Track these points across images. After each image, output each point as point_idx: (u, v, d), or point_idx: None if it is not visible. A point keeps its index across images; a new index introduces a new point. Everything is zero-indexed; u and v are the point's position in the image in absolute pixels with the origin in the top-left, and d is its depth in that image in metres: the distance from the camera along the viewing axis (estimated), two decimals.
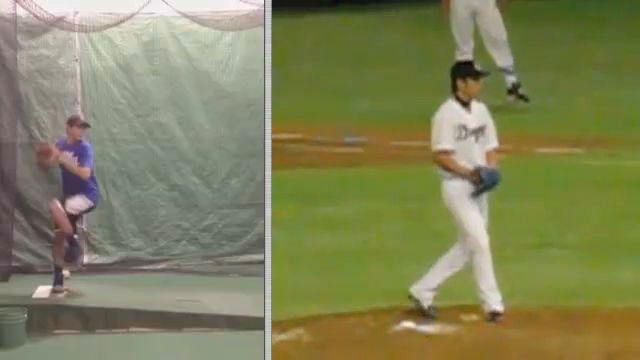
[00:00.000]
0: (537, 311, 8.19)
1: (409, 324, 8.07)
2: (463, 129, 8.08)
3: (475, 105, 8.17)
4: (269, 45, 8.21)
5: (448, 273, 8.06)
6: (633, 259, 8.63)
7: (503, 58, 11.17)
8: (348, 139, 10.66)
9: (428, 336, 8.00)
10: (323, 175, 9.93)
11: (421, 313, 8.06)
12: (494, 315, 8.07)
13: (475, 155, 8.07)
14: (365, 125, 10.76)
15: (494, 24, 11.18)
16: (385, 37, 12.18)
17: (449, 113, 8.13)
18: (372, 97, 11.01)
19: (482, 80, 8.16)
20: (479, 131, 8.11)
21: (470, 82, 8.13)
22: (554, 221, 9.07)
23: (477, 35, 11.23)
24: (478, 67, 8.25)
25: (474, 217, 8.01)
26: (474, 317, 8.11)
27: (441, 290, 8.08)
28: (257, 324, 8.30)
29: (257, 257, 11.30)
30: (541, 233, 8.78)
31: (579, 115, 10.75)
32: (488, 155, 8.12)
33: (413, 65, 11.44)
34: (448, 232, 8.23)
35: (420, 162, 9.78)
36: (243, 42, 12.72)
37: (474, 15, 11.24)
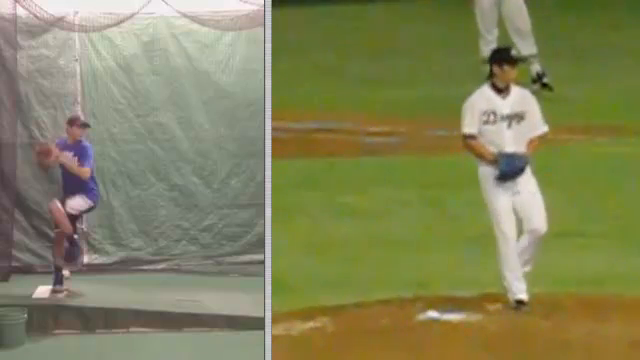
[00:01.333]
0: (561, 300, 8.19)
1: (433, 313, 8.08)
2: (492, 114, 8.13)
3: (515, 91, 8.21)
4: (269, 45, 8.21)
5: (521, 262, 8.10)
6: None
7: (527, 47, 11.15)
8: (372, 128, 10.66)
9: (452, 325, 8.00)
10: (346, 164, 9.92)
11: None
12: (519, 304, 8.09)
13: (506, 141, 8.10)
14: (388, 114, 10.75)
15: (518, 13, 11.17)
16: (409, 26, 12.17)
17: (478, 98, 8.21)
18: (395, 86, 11.01)
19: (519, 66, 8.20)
20: (515, 117, 8.13)
21: (506, 68, 8.18)
22: (578, 209, 9.06)
23: (501, 23, 11.23)
24: (515, 53, 8.29)
25: (499, 203, 8.04)
26: (499, 306, 8.11)
27: (466, 279, 8.08)
28: (257, 324, 8.29)
29: (257, 257, 11.30)
30: (565, 221, 8.73)
31: (603, 104, 10.74)
32: (531, 142, 8.14)
33: (437, 54, 11.45)
34: (471, 220, 8.23)
35: (444, 151, 9.82)
36: (243, 42, 12.72)
37: (499, 4, 11.24)
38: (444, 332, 7.94)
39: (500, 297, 8.13)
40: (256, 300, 8.33)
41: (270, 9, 8.31)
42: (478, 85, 10.00)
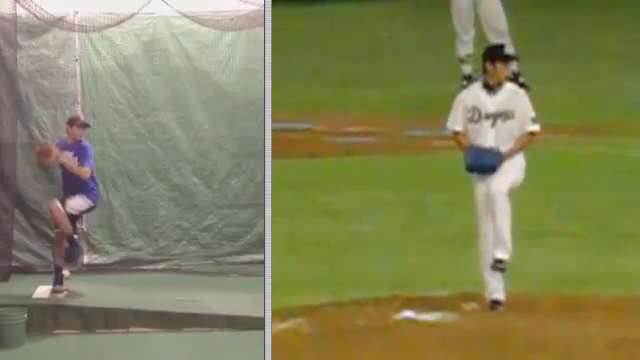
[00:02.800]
0: (538, 299, 8.18)
1: (409, 313, 8.07)
2: (477, 112, 8.13)
3: (506, 89, 8.19)
4: (269, 45, 8.21)
5: None
6: (634, 247, 8.61)
7: None
8: (350, 128, 10.65)
9: (429, 325, 7.99)
10: (325, 164, 9.93)
11: None
12: (495, 304, 8.07)
13: (488, 139, 8.09)
14: (367, 115, 10.75)
15: (495, 13, 11.18)
16: (386, 27, 12.16)
17: (465, 95, 8.24)
18: (374, 87, 11.00)
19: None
20: (501, 116, 8.11)
21: (499, 65, 8.17)
22: (555, 209, 9.07)
23: (478, 24, 11.24)
24: (508, 51, 8.28)
25: (478, 199, 8.07)
26: (475, 306, 8.10)
27: (442, 279, 8.08)
28: (257, 324, 8.29)
29: (257, 257, 11.30)
30: (541, 221, 8.77)
31: (582, 104, 10.74)
32: (518, 139, 8.11)
33: (415, 54, 11.44)
34: (448, 220, 8.21)
35: (421, 151, 9.81)
36: (243, 42, 12.72)
37: (475, 4, 11.24)
38: (420, 332, 7.93)
39: (477, 297, 8.12)
40: (256, 300, 8.33)
41: (270, 9, 8.31)
42: (455, 85, 10.05)
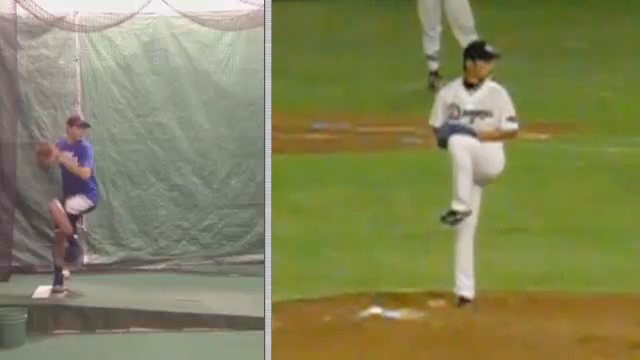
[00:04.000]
0: (505, 297, 8.16)
1: (376, 310, 8.05)
2: (456, 109, 8.10)
3: (486, 88, 8.16)
4: (269, 45, 8.21)
5: None
6: (601, 245, 8.61)
7: None
8: (316, 125, 10.62)
9: (395, 322, 7.97)
10: (290, 161, 9.90)
11: None
12: (462, 301, 8.05)
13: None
14: (333, 111, 10.72)
15: (461, 10, 11.20)
16: (352, 23, 12.16)
17: (445, 92, 8.21)
18: (340, 83, 10.97)
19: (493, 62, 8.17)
20: (479, 114, 8.07)
21: (479, 63, 8.14)
22: (522, 206, 9.06)
23: (445, 20, 11.25)
24: (489, 49, 8.25)
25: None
26: (442, 303, 8.09)
27: (410, 276, 8.06)
28: (257, 324, 8.29)
29: (257, 257, 11.29)
30: (508, 218, 8.77)
31: (547, 101, 10.74)
32: (498, 130, 8.07)
33: (381, 51, 11.42)
34: (416, 217, 8.20)
35: (388, 148, 9.79)
36: (243, 42, 12.72)
37: (442, 1, 11.26)
38: (387, 329, 7.91)
39: (444, 294, 8.10)
40: (256, 300, 8.33)
41: (270, 9, 8.31)
42: (422, 82, 10.04)
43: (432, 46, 11.15)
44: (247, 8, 11.65)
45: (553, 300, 8.14)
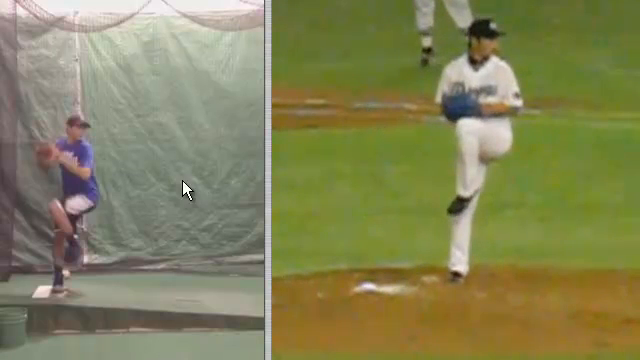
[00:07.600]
0: (498, 271, 8.14)
1: (370, 286, 8.04)
2: (460, 86, 8.11)
3: (491, 64, 8.18)
4: (269, 45, 8.20)
5: None
6: (591, 220, 8.56)
7: (463, 19, 11.13)
8: (307, 101, 10.60)
9: (389, 297, 7.95)
10: (281, 136, 9.89)
11: None
12: (455, 276, 8.03)
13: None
14: (325, 86, 10.68)
15: None
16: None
17: (450, 69, 8.19)
18: (332, 58, 10.92)
19: (497, 39, 8.15)
20: (484, 91, 8.10)
21: (484, 41, 8.15)
22: (512, 181, 9.00)
23: None
24: (494, 27, 8.26)
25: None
26: (435, 278, 8.08)
27: (403, 251, 8.07)
28: (257, 324, 8.28)
29: (257, 257, 11.31)
30: (502, 193, 8.74)
31: (537, 76, 10.71)
32: (489, 104, 8.09)
33: (374, 26, 11.39)
34: (408, 192, 8.18)
35: (379, 123, 9.77)
36: (243, 42, 12.73)
37: None
38: (380, 304, 7.88)
39: (437, 269, 8.07)
40: (256, 300, 8.33)
41: (270, 9, 8.31)
42: (414, 58, 9.98)
43: (424, 22, 11.13)
44: (247, 8, 11.66)
45: (547, 275, 8.11)
